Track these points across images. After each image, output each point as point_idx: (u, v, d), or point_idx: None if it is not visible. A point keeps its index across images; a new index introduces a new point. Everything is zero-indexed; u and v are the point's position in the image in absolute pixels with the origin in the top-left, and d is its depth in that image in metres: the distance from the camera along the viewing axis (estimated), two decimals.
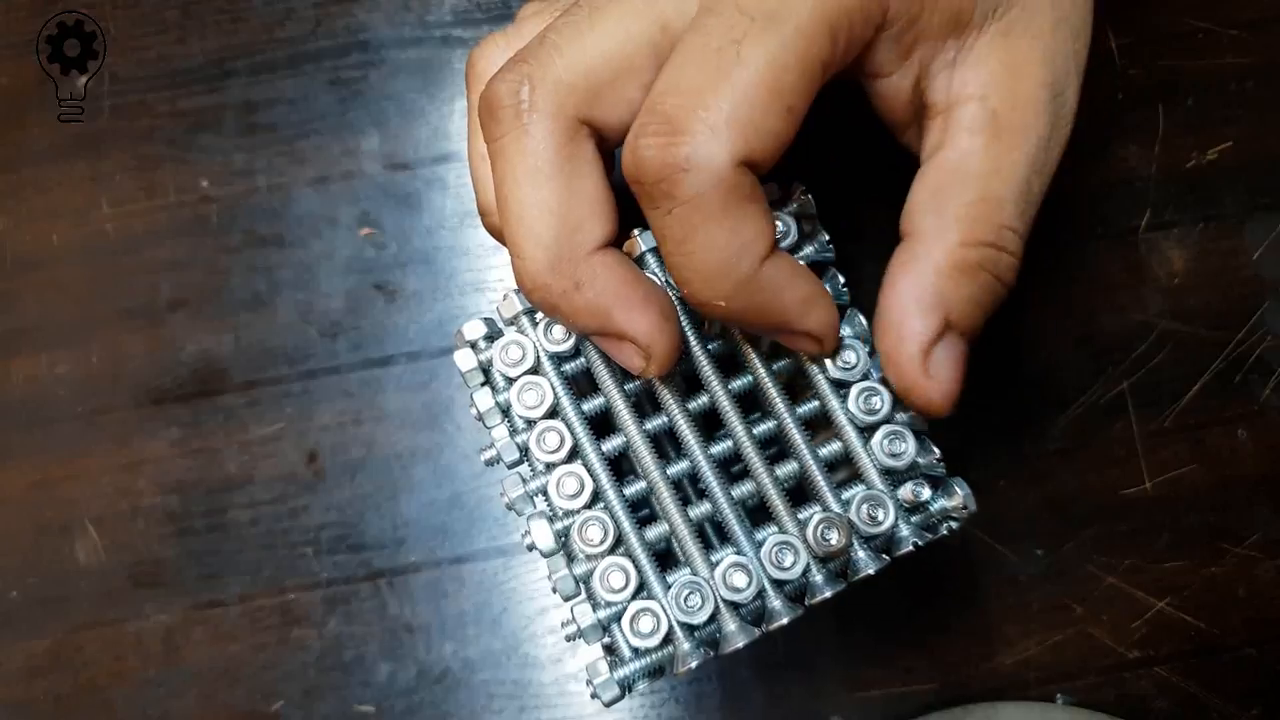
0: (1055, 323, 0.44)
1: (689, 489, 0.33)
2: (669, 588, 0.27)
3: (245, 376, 0.45)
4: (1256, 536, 0.42)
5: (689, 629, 0.27)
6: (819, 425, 0.30)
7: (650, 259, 0.29)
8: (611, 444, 0.29)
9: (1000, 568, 0.42)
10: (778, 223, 0.29)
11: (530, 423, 0.28)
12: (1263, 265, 0.45)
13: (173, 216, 0.46)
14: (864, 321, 0.29)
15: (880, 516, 0.27)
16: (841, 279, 0.30)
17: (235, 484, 0.44)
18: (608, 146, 0.27)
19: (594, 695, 0.27)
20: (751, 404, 0.30)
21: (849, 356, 0.29)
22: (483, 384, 0.29)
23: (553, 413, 0.28)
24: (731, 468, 0.30)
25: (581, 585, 0.28)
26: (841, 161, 0.47)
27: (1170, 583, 0.42)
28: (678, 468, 0.29)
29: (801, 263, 0.29)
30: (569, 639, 0.28)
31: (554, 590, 0.28)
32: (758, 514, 0.29)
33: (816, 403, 0.29)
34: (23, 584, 0.43)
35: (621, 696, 0.27)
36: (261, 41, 0.48)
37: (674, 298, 0.29)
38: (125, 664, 0.42)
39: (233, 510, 0.43)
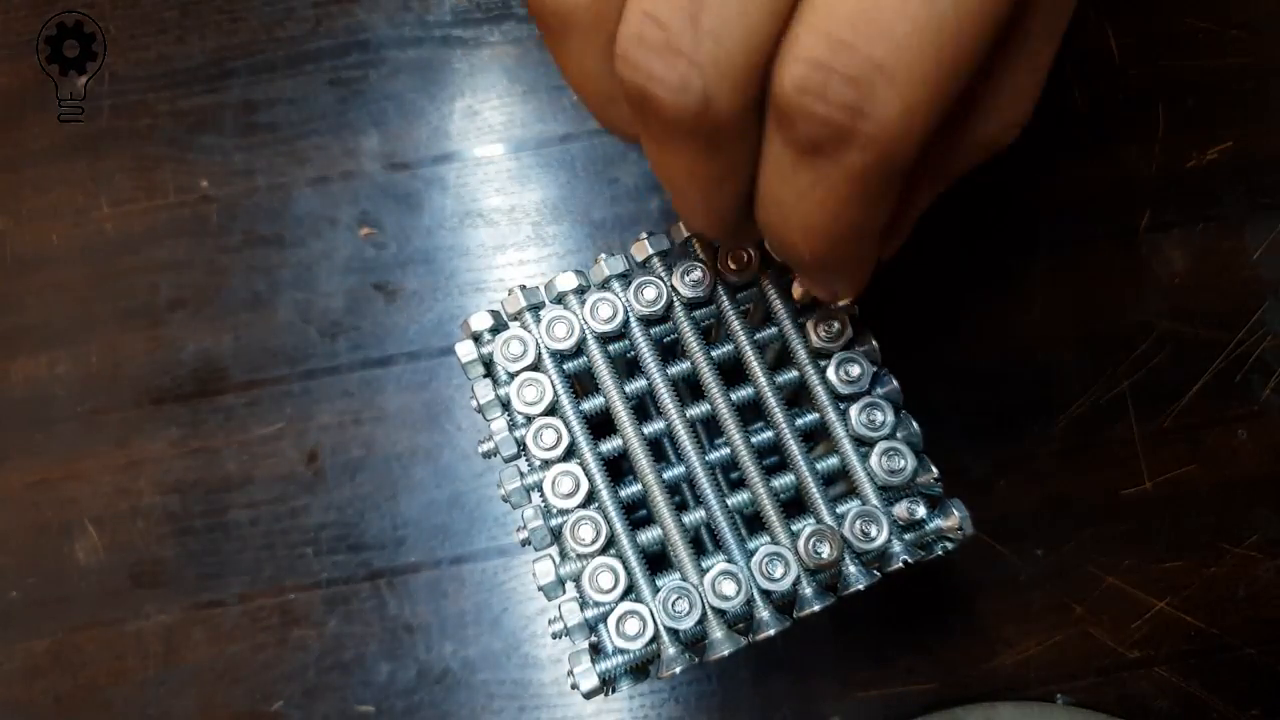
0: (1055, 323, 0.44)
1: (686, 494, 0.33)
2: (657, 591, 0.27)
3: (245, 376, 0.45)
4: (1256, 536, 0.42)
5: (675, 634, 0.27)
6: (819, 438, 0.30)
7: (656, 261, 0.29)
8: (609, 445, 0.29)
9: (1000, 568, 0.42)
10: None
11: (529, 418, 0.28)
12: (1263, 265, 0.45)
13: (173, 216, 0.46)
14: (874, 342, 0.29)
15: (873, 532, 0.27)
16: None
17: (235, 484, 0.44)
18: None
19: (573, 686, 0.27)
20: (753, 414, 0.30)
21: (853, 370, 0.29)
22: (484, 376, 0.29)
23: (551, 410, 0.28)
24: (729, 475, 0.29)
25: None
26: None
27: (1170, 583, 0.42)
28: (674, 472, 0.29)
29: None
30: (555, 636, 0.27)
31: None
32: (752, 523, 0.29)
33: (816, 415, 0.29)
34: (23, 584, 0.43)
35: (601, 689, 0.27)
36: (261, 41, 0.48)
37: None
38: (125, 664, 0.42)
39: (233, 510, 0.43)
